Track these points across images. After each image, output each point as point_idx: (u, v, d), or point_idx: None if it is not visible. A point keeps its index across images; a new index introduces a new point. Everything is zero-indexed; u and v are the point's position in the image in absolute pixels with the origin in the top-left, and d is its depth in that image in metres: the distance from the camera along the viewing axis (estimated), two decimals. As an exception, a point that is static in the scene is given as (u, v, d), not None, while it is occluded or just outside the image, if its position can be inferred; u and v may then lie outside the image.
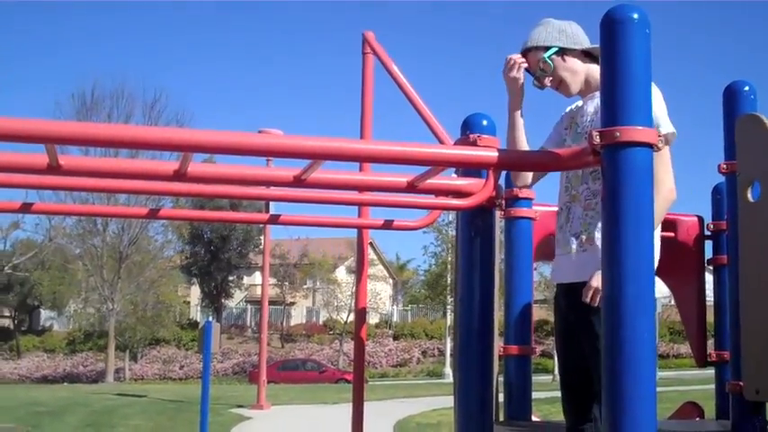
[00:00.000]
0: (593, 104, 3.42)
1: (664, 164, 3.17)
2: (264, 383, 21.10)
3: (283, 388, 31.22)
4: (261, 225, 43.54)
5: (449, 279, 48.28)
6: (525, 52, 3.50)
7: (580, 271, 3.32)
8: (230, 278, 60.89)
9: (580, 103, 3.61)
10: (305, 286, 62.14)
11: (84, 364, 53.73)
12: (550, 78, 3.47)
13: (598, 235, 3.22)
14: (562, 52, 3.44)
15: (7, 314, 64.03)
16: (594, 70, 3.40)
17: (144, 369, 51.82)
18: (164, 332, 53.32)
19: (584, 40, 3.49)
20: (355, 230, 4.93)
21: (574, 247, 3.40)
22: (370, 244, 55.71)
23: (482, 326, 3.44)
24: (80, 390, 32.34)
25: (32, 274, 54.92)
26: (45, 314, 65.86)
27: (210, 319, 43.81)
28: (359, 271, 4.69)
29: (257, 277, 60.39)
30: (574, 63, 3.46)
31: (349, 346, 50.75)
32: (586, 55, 3.47)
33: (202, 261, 58.77)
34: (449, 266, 48.25)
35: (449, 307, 49.22)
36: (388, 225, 3.85)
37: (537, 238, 4.45)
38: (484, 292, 3.51)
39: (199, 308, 63.50)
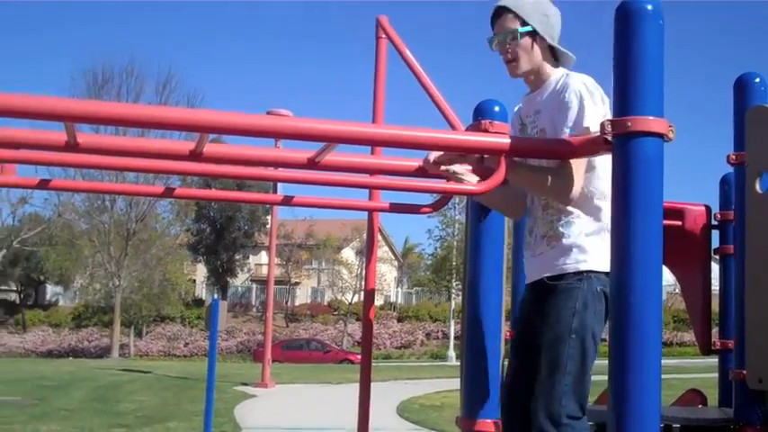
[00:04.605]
0: (536, 103, 3.34)
1: (577, 164, 3.01)
2: (269, 362, 21.19)
3: (287, 367, 31.34)
4: (267, 206, 43.56)
5: (454, 262, 48.36)
6: (500, 9, 3.33)
7: (546, 268, 3.23)
8: (236, 257, 61.04)
9: (521, 104, 3.50)
10: (308, 267, 62.25)
11: (89, 339, 53.96)
12: (508, 50, 3.30)
13: (562, 230, 3.18)
14: (534, 35, 3.29)
15: (14, 288, 64.32)
16: (549, 70, 3.32)
17: (149, 345, 52.05)
18: (169, 309, 53.54)
19: (557, 36, 3.35)
20: (361, 213, 4.94)
21: (541, 248, 3.28)
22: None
23: (489, 309, 3.50)
24: (85, 365, 32.51)
25: (40, 249, 55.14)
26: (51, 289, 66.12)
27: (216, 296, 43.99)
28: (368, 253, 4.73)
29: (262, 257, 60.51)
30: (536, 52, 3.31)
31: (353, 327, 50.89)
32: (551, 50, 3.34)
33: (208, 239, 58.98)
34: (454, 250, 48.33)
35: (453, 290, 49.33)
36: (400, 208, 3.89)
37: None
38: (492, 276, 3.55)
39: (204, 286, 63.67)
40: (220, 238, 58.77)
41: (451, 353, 42.52)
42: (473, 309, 3.71)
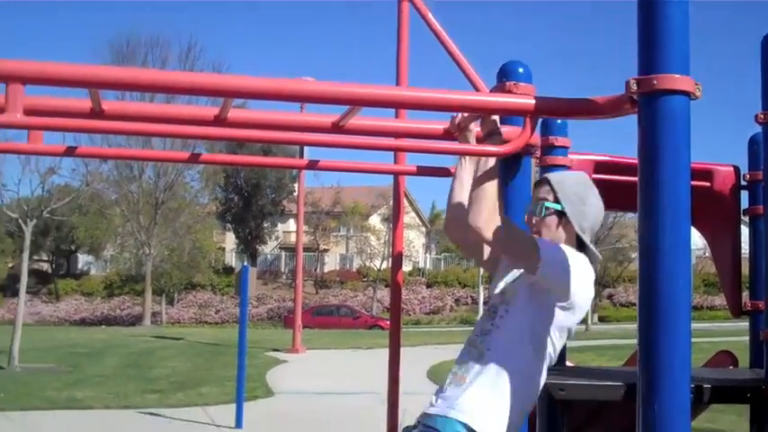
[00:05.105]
0: None
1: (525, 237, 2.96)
2: (300, 328, 21.35)
3: (318, 333, 31.58)
4: (294, 173, 43.61)
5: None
6: (542, 179, 3.22)
7: (436, 403, 3.00)
8: (264, 225, 61.37)
9: None
10: (336, 234, 62.50)
11: (121, 307, 54.62)
12: (533, 220, 3.12)
13: (472, 376, 2.95)
14: (562, 215, 3.09)
15: (45, 258, 64.99)
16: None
17: (180, 313, 52.61)
18: (199, 277, 54.07)
19: (588, 229, 3.11)
20: (388, 179, 4.93)
21: (449, 388, 3.01)
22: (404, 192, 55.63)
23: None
24: (118, 332, 32.94)
25: (70, 218, 55.68)
26: (82, 258, 66.79)
27: (246, 264, 44.19)
28: (395, 217, 4.73)
29: (291, 224, 60.75)
30: (560, 232, 3.10)
31: (382, 293, 51.06)
32: (578, 240, 3.11)
33: (236, 208, 59.31)
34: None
35: (482, 255, 49.28)
36: (424, 171, 3.88)
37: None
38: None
39: (234, 254, 64.11)
40: (248, 206, 59.08)
41: (480, 318, 42.54)
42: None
